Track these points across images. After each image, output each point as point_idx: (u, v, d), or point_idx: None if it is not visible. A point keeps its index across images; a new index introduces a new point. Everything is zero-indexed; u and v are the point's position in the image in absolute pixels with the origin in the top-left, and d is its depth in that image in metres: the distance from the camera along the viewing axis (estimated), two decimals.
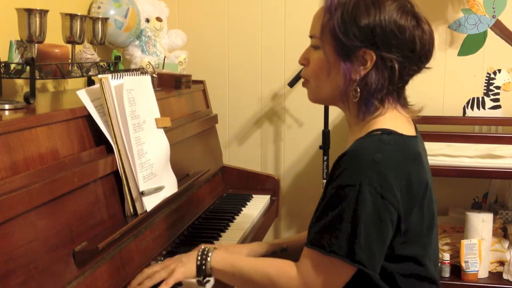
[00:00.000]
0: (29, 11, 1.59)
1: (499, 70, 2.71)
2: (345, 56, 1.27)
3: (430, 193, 1.30)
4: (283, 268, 1.29)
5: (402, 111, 1.32)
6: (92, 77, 2.01)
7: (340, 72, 1.29)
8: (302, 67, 1.39)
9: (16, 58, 1.70)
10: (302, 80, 1.40)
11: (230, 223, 1.95)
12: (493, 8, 2.68)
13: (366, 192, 1.18)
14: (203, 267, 1.35)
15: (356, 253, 1.18)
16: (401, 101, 1.33)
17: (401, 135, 1.28)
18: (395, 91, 1.30)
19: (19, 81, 1.93)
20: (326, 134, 2.59)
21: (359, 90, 1.28)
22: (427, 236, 1.30)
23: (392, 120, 1.29)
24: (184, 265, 1.36)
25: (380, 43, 1.24)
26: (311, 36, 1.35)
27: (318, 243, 1.22)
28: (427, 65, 1.32)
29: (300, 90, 2.79)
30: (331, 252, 1.19)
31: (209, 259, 1.35)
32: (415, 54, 1.27)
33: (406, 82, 1.32)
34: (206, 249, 1.37)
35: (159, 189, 1.62)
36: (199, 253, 1.37)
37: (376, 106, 1.29)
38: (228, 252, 1.44)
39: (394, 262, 1.26)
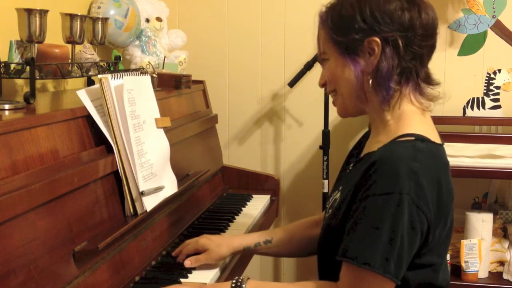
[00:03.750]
0: (29, 11, 1.59)
1: (499, 70, 2.71)
2: (352, 52, 1.27)
3: (453, 203, 1.30)
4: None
5: (421, 98, 1.30)
6: (92, 77, 2.00)
7: (352, 70, 1.28)
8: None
9: (16, 58, 1.70)
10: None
11: (230, 223, 1.95)
12: (493, 8, 2.68)
13: (405, 201, 1.16)
14: None
15: (389, 264, 1.16)
16: (422, 79, 1.30)
17: (433, 143, 1.27)
18: (412, 70, 1.28)
19: (19, 81, 1.93)
20: (326, 134, 2.58)
21: (370, 79, 1.27)
22: (445, 244, 1.30)
23: (421, 125, 1.28)
24: None
25: (377, 28, 1.24)
26: (318, 57, 1.37)
27: (354, 255, 1.18)
28: (436, 36, 1.30)
29: (300, 90, 2.80)
30: (366, 265, 1.16)
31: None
32: (415, 29, 1.25)
33: (421, 58, 1.28)
34: (240, 279, 1.33)
35: (159, 189, 1.62)
36: (233, 284, 1.32)
37: (394, 88, 1.27)
38: (260, 281, 1.41)
39: (411, 269, 1.24)
